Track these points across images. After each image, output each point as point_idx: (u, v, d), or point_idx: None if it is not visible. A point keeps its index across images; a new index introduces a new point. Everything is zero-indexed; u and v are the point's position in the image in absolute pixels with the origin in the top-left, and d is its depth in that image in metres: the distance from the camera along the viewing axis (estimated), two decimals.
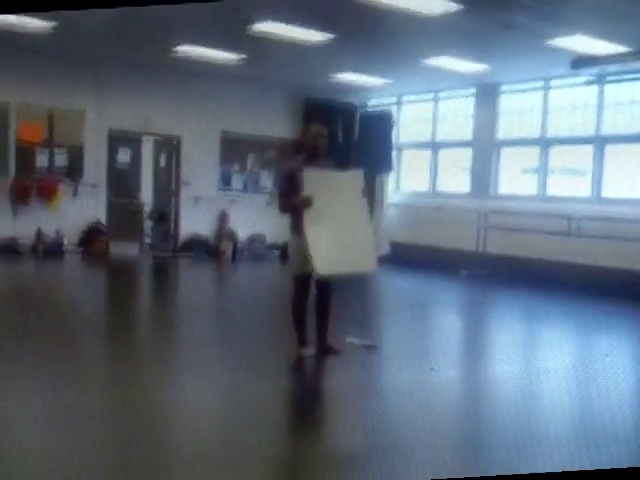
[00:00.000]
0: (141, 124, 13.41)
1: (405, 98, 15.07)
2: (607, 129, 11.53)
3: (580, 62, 10.15)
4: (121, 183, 13.73)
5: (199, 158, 14.07)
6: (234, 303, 9.55)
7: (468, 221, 12.96)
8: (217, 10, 8.98)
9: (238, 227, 14.28)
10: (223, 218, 14.31)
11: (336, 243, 5.83)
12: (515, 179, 13.34)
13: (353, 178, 6.16)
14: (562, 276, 11.27)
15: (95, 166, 13.13)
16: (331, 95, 14.42)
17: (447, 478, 3.74)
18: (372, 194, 14.02)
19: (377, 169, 14.56)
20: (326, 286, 6.11)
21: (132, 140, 13.77)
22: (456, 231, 13.27)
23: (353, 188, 6.04)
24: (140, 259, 13.46)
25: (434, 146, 14.66)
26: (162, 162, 14.51)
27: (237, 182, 14.68)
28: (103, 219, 13.25)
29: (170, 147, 14.20)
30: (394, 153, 15.19)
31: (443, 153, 14.59)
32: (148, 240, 14.48)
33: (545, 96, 12.43)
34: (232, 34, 10.25)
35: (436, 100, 14.45)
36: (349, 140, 14.99)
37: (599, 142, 11.62)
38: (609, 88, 11.41)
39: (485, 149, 13.40)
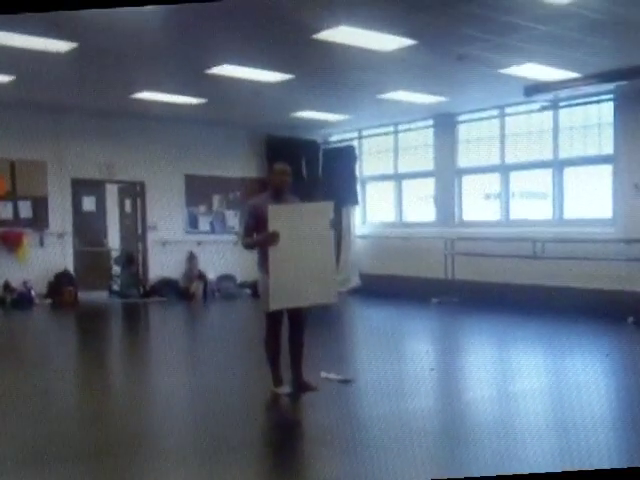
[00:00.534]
0: (104, 171, 13.44)
1: (366, 132, 15.27)
2: (564, 152, 11.78)
3: (533, 89, 10.39)
4: (87, 230, 13.70)
5: (164, 202, 14.11)
6: (208, 343, 9.52)
7: (435, 249, 13.10)
8: (174, 56, 9.10)
9: (207, 268, 14.29)
10: (192, 260, 14.31)
11: (296, 276, 5.84)
12: (478, 205, 13.55)
13: (321, 209, 6.22)
14: (530, 299, 11.43)
15: (60, 215, 13.09)
16: (293, 132, 14.59)
17: (447, 478, 3.77)
18: (339, 227, 14.14)
19: (343, 202, 14.70)
20: (299, 322, 6.15)
21: (96, 187, 13.77)
22: (424, 260, 13.40)
23: (320, 219, 6.07)
24: (110, 305, 13.37)
25: (397, 177, 14.85)
26: (127, 207, 14.51)
27: (204, 223, 14.72)
28: (71, 267, 13.18)
29: (135, 192, 14.21)
30: (358, 186, 15.37)
31: (407, 183, 14.77)
32: (117, 286, 14.43)
33: (502, 123, 12.69)
34: (191, 79, 10.35)
35: (396, 132, 14.66)
36: (313, 175, 15.15)
37: (557, 165, 11.87)
38: (563, 113, 11.69)
39: (447, 178, 13.60)
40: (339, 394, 6.21)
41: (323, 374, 6.58)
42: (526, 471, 4.03)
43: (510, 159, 12.67)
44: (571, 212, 11.79)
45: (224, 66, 9.58)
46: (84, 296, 13.10)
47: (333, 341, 9.07)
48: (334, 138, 15.78)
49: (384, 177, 15.22)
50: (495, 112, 12.70)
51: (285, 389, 6.11)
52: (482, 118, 13.01)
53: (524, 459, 4.46)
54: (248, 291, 13.88)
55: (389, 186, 15.09)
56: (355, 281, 14.90)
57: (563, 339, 9.27)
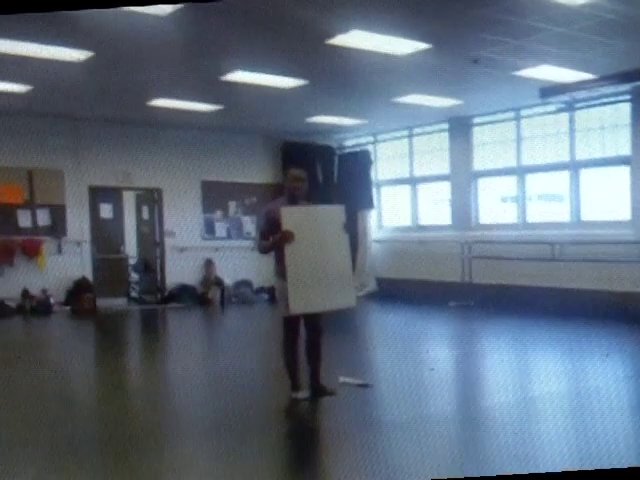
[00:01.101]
0: (121, 179, 13.54)
1: (381, 136, 15.27)
2: (581, 154, 11.73)
3: (549, 91, 10.35)
4: (105, 238, 13.77)
5: (181, 208, 14.18)
6: (226, 348, 9.56)
7: (452, 253, 13.08)
8: (189, 63, 9.15)
9: (224, 274, 14.33)
10: (209, 266, 14.36)
11: (314, 280, 5.83)
12: (495, 208, 13.51)
13: (334, 212, 6.22)
14: (548, 301, 11.37)
15: (78, 223, 13.19)
16: (308, 137, 14.62)
17: (447, 478, 3.75)
18: (355, 232, 14.13)
19: (359, 207, 14.71)
20: (317, 326, 6.16)
21: (113, 195, 13.85)
22: (441, 263, 13.38)
23: (333, 222, 6.06)
24: (128, 311, 13.45)
25: (413, 181, 14.83)
26: (145, 214, 14.59)
27: (220, 230, 14.78)
28: (89, 275, 13.26)
29: (152, 199, 14.29)
30: (374, 190, 15.37)
31: (422, 187, 14.76)
32: (135, 292, 14.50)
33: (517, 126, 12.65)
34: (206, 86, 10.41)
35: (411, 136, 14.65)
36: (329, 180, 15.16)
37: (574, 167, 11.81)
38: (579, 114, 11.64)
39: (463, 181, 13.57)
40: (357, 399, 6.20)
41: (341, 379, 6.58)
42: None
43: (526, 161, 12.62)
44: (589, 214, 11.72)
45: (239, 72, 9.62)
46: (102, 303, 13.18)
47: (351, 345, 9.06)
48: (349, 143, 15.79)
49: (400, 181, 15.21)
50: (511, 114, 12.66)
51: (303, 394, 6.11)
52: (498, 121, 12.96)
53: (545, 462, 4.43)
54: (265, 296, 13.92)
55: (405, 190, 15.08)
56: (371, 285, 14.88)
57: (582, 342, 9.20)
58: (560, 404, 6.14)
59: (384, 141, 15.33)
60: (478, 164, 13.47)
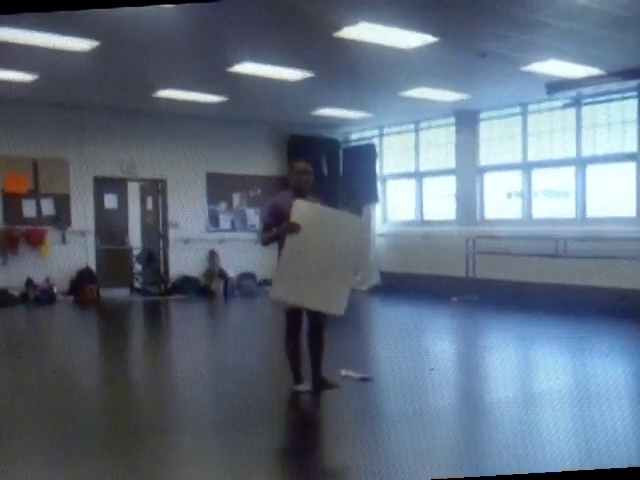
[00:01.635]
0: (126, 170, 13.54)
1: (387, 130, 15.24)
2: (587, 150, 11.69)
3: (555, 86, 10.31)
4: (109, 228, 13.76)
5: (186, 200, 14.17)
6: (229, 340, 9.56)
7: (456, 247, 13.06)
8: (195, 54, 9.13)
9: (228, 266, 14.32)
10: (213, 258, 14.36)
11: (304, 275, 5.75)
12: (500, 203, 13.48)
13: (349, 220, 6.17)
14: (552, 297, 11.35)
15: (82, 213, 13.19)
16: (314, 130, 14.58)
17: (447, 478, 3.74)
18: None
19: (363, 200, 14.69)
20: (319, 320, 6.14)
21: (118, 185, 13.85)
22: (445, 258, 13.36)
23: (345, 229, 5.99)
24: (131, 302, 13.46)
25: (418, 175, 14.80)
26: (149, 205, 14.58)
27: (225, 222, 14.77)
28: (92, 265, 13.27)
29: (156, 190, 14.27)
30: (379, 184, 15.34)
31: (428, 181, 14.74)
32: (138, 283, 14.51)
33: (524, 121, 12.60)
34: (212, 77, 10.39)
35: (417, 130, 14.62)
36: (334, 174, 15.13)
37: (580, 163, 11.78)
38: (586, 110, 11.59)
39: (469, 175, 13.53)
40: (359, 392, 6.20)
41: (343, 372, 6.57)
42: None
43: (532, 157, 12.59)
44: (594, 210, 11.70)
45: (245, 64, 9.60)
46: (106, 293, 13.20)
47: (353, 339, 9.05)
48: (355, 136, 15.77)
49: (405, 175, 15.18)
50: (517, 109, 12.62)
51: (305, 387, 6.11)
52: (504, 115, 12.93)
53: (542, 461, 4.41)
54: (268, 289, 13.87)
55: (410, 184, 15.06)
56: (375, 279, 14.87)
57: (586, 338, 9.18)
58: (563, 400, 6.11)
59: (390, 135, 15.30)
60: (484, 159, 13.44)
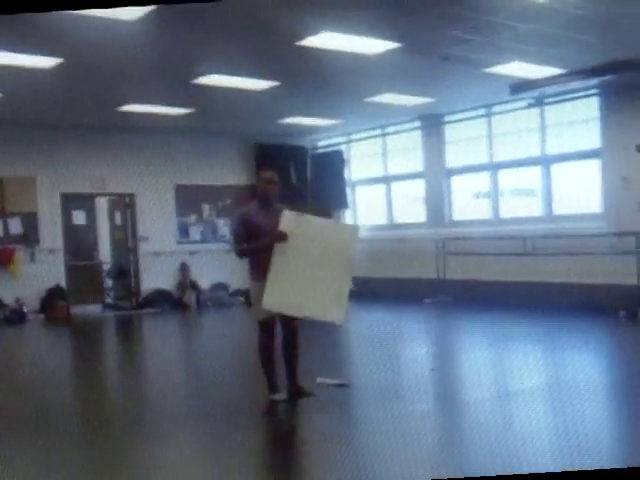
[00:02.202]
0: (94, 185, 13.46)
1: (354, 136, 15.30)
2: (552, 149, 11.84)
3: (518, 87, 10.43)
4: (78, 244, 13.67)
5: (155, 213, 14.10)
6: (202, 352, 9.52)
7: (427, 250, 13.13)
8: (159, 67, 9.10)
9: (200, 277, 14.28)
10: (184, 269, 14.30)
11: (296, 284, 5.78)
12: (468, 205, 13.59)
13: (345, 230, 6.19)
14: (523, 296, 11.45)
15: (51, 230, 13.09)
16: (281, 139, 14.60)
17: (447, 478, 3.76)
18: None
19: (333, 207, 14.72)
20: (292, 327, 6.15)
21: (86, 201, 13.76)
22: (416, 261, 13.43)
23: (340, 238, 6.05)
24: (103, 318, 13.35)
25: (387, 180, 14.88)
26: (118, 220, 14.49)
27: (195, 233, 14.72)
28: (63, 282, 13.15)
29: (124, 204, 14.20)
30: (348, 190, 15.39)
31: (396, 186, 14.81)
32: (110, 299, 14.40)
33: (489, 122, 12.73)
34: (177, 89, 10.36)
35: (384, 135, 14.70)
36: (303, 181, 15.16)
37: (545, 162, 11.92)
38: (549, 109, 11.74)
39: (436, 178, 13.63)
40: (335, 399, 6.21)
41: (319, 379, 6.58)
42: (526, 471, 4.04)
43: (498, 157, 12.72)
44: (561, 208, 11.84)
45: (210, 76, 9.60)
46: (77, 310, 13.08)
47: (328, 345, 9.05)
48: (322, 143, 15.80)
49: (374, 180, 15.25)
50: (482, 111, 12.74)
51: (281, 396, 6.10)
52: (469, 118, 13.04)
53: (524, 459, 4.45)
54: (241, 299, 13.87)
55: (379, 189, 15.12)
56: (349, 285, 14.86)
57: (557, 335, 9.30)
58: (538, 399, 6.18)
59: (357, 140, 15.35)
60: (451, 161, 13.55)
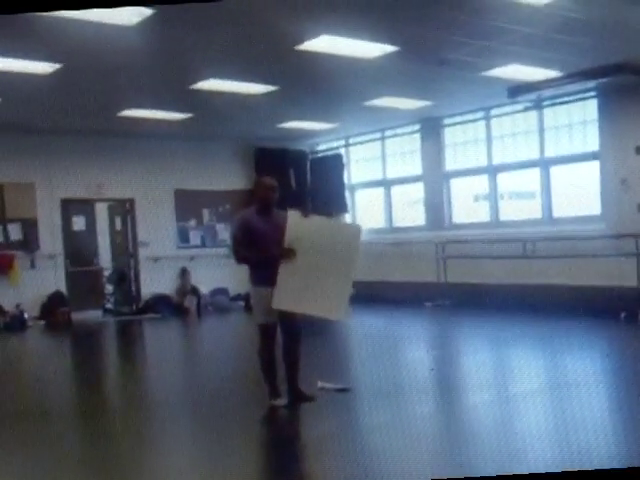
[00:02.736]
0: (93, 191, 13.46)
1: (353, 139, 15.31)
2: (550, 151, 11.85)
3: (516, 90, 10.45)
4: (78, 250, 13.67)
5: (155, 218, 14.10)
6: (203, 358, 9.53)
7: (426, 253, 13.13)
8: (158, 72, 9.12)
9: (200, 282, 14.28)
10: (184, 275, 14.31)
11: (305, 283, 5.83)
12: (467, 208, 13.60)
13: (349, 230, 6.26)
14: (523, 298, 11.44)
15: (50, 236, 13.09)
16: (280, 143, 14.62)
17: (447, 478, 3.76)
18: None
19: (332, 211, 14.71)
20: (293, 332, 6.15)
21: (85, 207, 13.77)
22: (416, 264, 13.43)
23: (345, 238, 6.15)
24: (104, 324, 13.34)
25: (386, 183, 14.89)
26: (118, 225, 14.50)
27: (195, 238, 14.73)
28: (63, 288, 13.15)
29: (124, 210, 14.21)
30: (347, 194, 15.41)
31: (396, 189, 14.82)
32: (110, 304, 14.40)
33: (487, 125, 12.74)
34: (176, 94, 10.37)
35: (383, 139, 14.71)
36: (302, 185, 15.17)
37: (544, 164, 11.92)
38: (547, 112, 11.75)
39: (435, 182, 13.64)
40: (337, 403, 6.20)
41: (320, 384, 6.57)
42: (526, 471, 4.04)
43: (497, 160, 12.73)
44: (560, 210, 11.84)
45: (209, 80, 9.61)
46: (78, 316, 13.07)
47: (328, 350, 9.07)
48: (322, 147, 15.81)
49: (373, 184, 15.26)
50: (480, 114, 12.75)
51: (282, 401, 6.10)
52: (468, 121, 13.05)
53: (526, 462, 4.45)
54: (241, 304, 13.88)
55: (378, 192, 15.13)
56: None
57: (558, 338, 9.29)
58: (541, 401, 6.18)
59: (356, 144, 15.36)
60: (450, 164, 13.55)
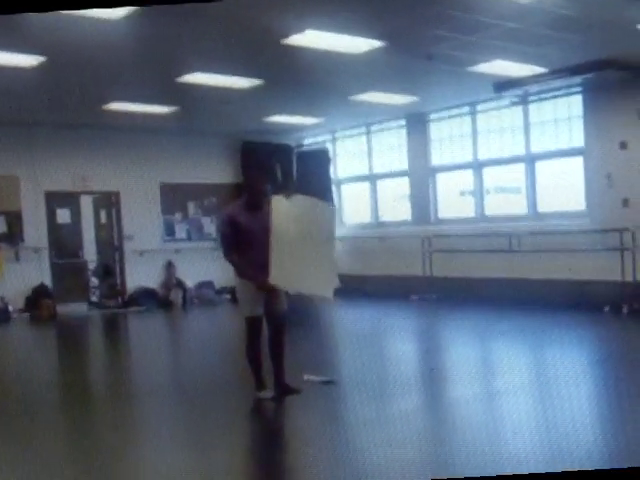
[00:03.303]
0: (78, 184, 13.41)
1: (339, 134, 15.32)
2: (536, 147, 11.90)
3: (502, 85, 10.50)
4: (63, 243, 13.62)
5: (140, 211, 14.06)
6: (189, 351, 9.53)
7: (413, 247, 13.18)
8: (144, 65, 9.08)
9: (186, 275, 14.27)
10: (170, 268, 14.28)
11: (298, 262, 5.91)
12: (453, 202, 13.63)
13: (325, 209, 6.36)
14: (508, 292, 11.52)
15: (35, 229, 13.03)
16: (267, 137, 14.60)
17: (447, 478, 3.79)
18: None
19: None
20: (278, 324, 6.17)
21: (70, 200, 13.71)
22: (402, 258, 13.47)
23: (323, 217, 6.25)
24: (89, 317, 13.30)
25: (372, 178, 14.91)
26: (103, 218, 14.45)
27: (180, 231, 14.72)
28: (48, 281, 13.10)
29: (109, 203, 14.16)
30: (334, 188, 15.41)
31: (382, 184, 14.84)
32: (95, 297, 14.36)
33: (473, 120, 12.78)
34: (161, 88, 10.34)
35: (369, 133, 14.72)
36: (288, 179, 15.14)
37: (529, 160, 11.98)
38: (533, 108, 11.80)
39: (421, 176, 13.68)
40: (322, 396, 6.23)
41: (305, 376, 6.60)
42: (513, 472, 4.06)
43: (483, 155, 12.77)
44: (545, 205, 11.90)
45: (195, 74, 9.58)
46: (63, 309, 13.03)
47: (314, 343, 9.08)
48: (308, 141, 15.81)
49: (359, 178, 15.28)
50: (466, 109, 12.79)
51: (268, 393, 6.12)
52: (454, 116, 13.09)
53: (510, 458, 4.48)
54: (227, 297, 13.88)
55: (364, 187, 15.15)
56: (335, 282, 14.88)
57: (543, 331, 9.35)
58: (524, 396, 6.22)
59: (343, 139, 15.38)
60: (436, 159, 13.59)
